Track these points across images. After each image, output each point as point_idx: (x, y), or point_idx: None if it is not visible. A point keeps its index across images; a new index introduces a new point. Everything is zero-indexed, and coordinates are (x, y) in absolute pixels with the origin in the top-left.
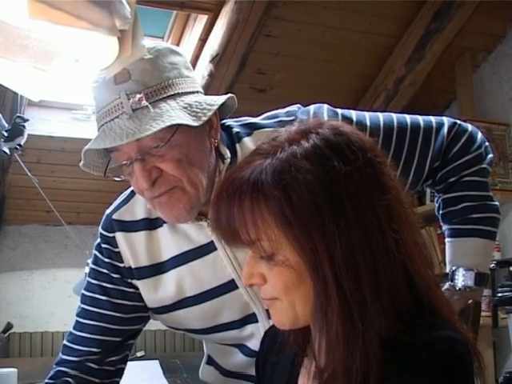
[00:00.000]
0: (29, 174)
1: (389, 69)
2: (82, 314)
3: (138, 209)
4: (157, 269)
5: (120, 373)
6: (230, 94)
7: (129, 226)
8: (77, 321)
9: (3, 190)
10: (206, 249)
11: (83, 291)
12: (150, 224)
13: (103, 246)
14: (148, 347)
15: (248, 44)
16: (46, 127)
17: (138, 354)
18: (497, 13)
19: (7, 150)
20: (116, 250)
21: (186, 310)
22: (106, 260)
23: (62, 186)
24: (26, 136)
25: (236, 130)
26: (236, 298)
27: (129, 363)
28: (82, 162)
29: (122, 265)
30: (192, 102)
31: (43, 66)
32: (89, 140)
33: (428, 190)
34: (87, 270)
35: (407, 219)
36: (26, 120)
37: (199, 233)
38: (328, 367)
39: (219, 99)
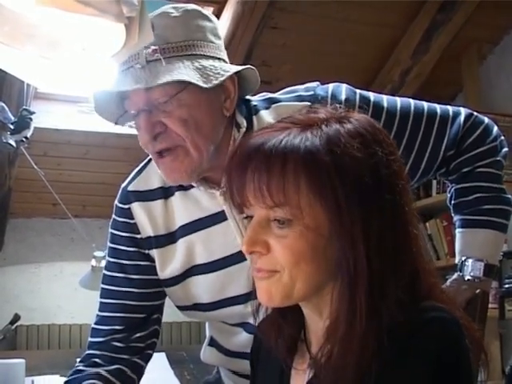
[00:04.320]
0: (35, 166)
1: (394, 61)
2: (102, 294)
3: (154, 178)
4: (170, 238)
5: (151, 347)
6: (248, 66)
7: (146, 196)
8: (100, 302)
9: (10, 183)
10: (217, 218)
11: (104, 271)
12: (165, 193)
13: (119, 219)
14: None
15: (253, 36)
16: (52, 120)
17: None
18: (503, 4)
19: (13, 143)
20: (132, 221)
21: (196, 278)
22: (123, 234)
23: (68, 178)
24: (32, 129)
25: (254, 103)
26: (243, 270)
27: None
28: (93, 106)
29: (138, 236)
30: (208, 65)
31: (50, 54)
32: (95, 133)
33: (434, 182)
34: (94, 262)
35: (415, 218)
36: (32, 113)
37: (211, 201)
38: (326, 347)
39: (236, 67)
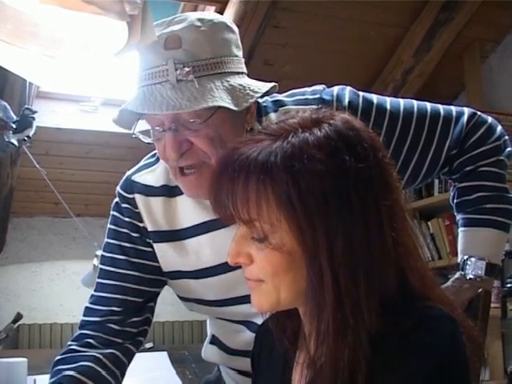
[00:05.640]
0: (37, 166)
1: (397, 60)
2: (101, 274)
3: (160, 175)
4: (175, 235)
5: (143, 334)
6: (273, 83)
7: (148, 190)
8: (97, 282)
9: (12, 182)
10: None
11: (102, 252)
12: (169, 191)
13: (123, 205)
14: (156, 339)
15: (255, 35)
16: (54, 119)
17: (147, 346)
18: (505, 3)
19: (15, 142)
20: (136, 210)
21: (203, 280)
22: (127, 219)
23: (70, 177)
24: (34, 128)
25: (263, 104)
26: None
27: (137, 354)
28: (114, 118)
29: (141, 224)
30: (236, 84)
31: (52, 52)
32: (97, 132)
33: (436, 182)
34: (96, 261)
35: (406, 220)
36: (34, 112)
37: None
38: (318, 358)
39: (263, 87)
